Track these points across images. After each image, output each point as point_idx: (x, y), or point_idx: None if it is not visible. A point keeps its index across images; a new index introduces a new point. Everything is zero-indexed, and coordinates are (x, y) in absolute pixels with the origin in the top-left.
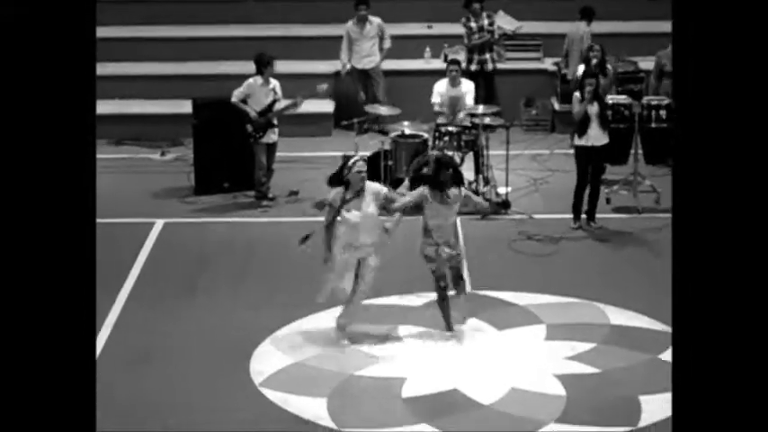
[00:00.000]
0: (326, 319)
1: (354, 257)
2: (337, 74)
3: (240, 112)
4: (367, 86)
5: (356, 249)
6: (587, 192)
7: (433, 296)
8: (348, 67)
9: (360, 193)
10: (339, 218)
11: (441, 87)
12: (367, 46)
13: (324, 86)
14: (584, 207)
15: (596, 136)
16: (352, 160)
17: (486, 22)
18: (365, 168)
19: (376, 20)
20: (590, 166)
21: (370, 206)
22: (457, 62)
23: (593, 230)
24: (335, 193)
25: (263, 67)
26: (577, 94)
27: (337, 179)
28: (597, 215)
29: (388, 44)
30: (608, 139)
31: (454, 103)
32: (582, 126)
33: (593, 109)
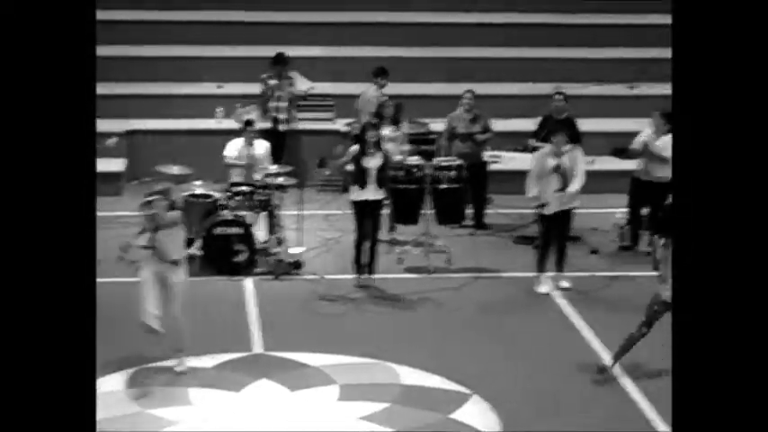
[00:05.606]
0: (118, 381)
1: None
2: (132, 132)
3: None
4: None
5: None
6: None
7: (225, 357)
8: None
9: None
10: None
11: (236, 145)
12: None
13: (114, 140)
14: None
15: (371, 191)
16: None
17: (286, 82)
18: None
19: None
20: (367, 220)
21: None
22: (252, 122)
23: (372, 282)
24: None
25: None
26: (356, 147)
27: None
28: (389, 275)
29: None
30: (383, 195)
31: (251, 163)
32: (359, 179)
33: (373, 162)
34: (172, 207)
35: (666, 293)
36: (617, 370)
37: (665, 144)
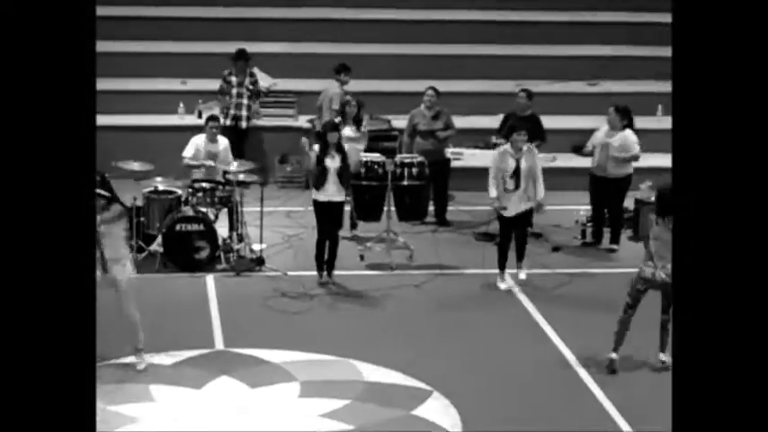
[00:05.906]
0: None
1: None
2: None
3: None
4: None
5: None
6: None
7: (186, 354)
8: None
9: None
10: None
11: (198, 142)
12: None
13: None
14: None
15: (333, 191)
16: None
17: (248, 80)
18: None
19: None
20: (328, 220)
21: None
22: (216, 118)
23: (329, 282)
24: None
25: None
26: (316, 147)
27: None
28: (351, 272)
29: None
30: (344, 197)
31: (212, 159)
32: (320, 179)
33: (334, 163)
34: (111, 201)
35: (649, 270)
36: (576, 363)
37: (621, 140)
